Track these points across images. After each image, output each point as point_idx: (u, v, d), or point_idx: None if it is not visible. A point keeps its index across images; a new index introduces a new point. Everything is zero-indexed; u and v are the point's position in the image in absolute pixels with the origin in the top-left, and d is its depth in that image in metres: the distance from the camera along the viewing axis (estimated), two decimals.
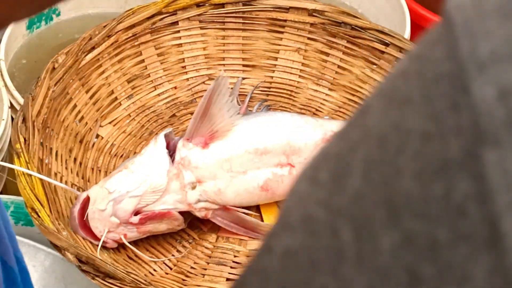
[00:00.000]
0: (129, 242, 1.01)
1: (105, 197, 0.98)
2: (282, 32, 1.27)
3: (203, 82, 1.26)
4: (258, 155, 1.06)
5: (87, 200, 0.99)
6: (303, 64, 1.27)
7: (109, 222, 0.98)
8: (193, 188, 1.02)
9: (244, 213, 1.06)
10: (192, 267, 1.04)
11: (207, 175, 1.03)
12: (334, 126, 1.12)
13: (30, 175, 0.99)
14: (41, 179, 0.99)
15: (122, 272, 0.93)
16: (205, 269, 1.04)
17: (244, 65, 1.28)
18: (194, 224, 1.07)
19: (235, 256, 1.06)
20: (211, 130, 1.03)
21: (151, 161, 1.02)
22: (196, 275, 1.03)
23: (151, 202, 0.99)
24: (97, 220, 0.98)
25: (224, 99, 1.03)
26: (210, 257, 1.06)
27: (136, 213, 0.99)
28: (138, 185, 0.99)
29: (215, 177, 1.03)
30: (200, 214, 1.04)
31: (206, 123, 1.03)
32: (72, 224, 0.99)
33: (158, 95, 1.23)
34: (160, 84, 1.24)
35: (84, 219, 0.99)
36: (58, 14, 1.42)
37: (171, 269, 1.04)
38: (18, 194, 1.03)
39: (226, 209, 1.05)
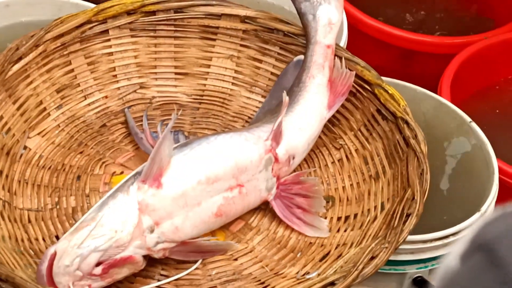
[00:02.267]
0: None
1: (72, 253, 0.95)
2: (214, 39, 1.26)
3: (135, 91, 1.24)
4: (210, 184, 1.04)
5: (53, 256, 0.95)
6: (236, 71, 1.26)
7: (74, 276, 0.95)
8: (152, 231, 1.00)
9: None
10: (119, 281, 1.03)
11: (164, 216, 1.00)
12: (268, 133, 1.10)
13: None
14: None
15: None
16: (132, 283, 1.03)
17: (176, 73, 1.26)
18: None
19: (162, 269, 1.05)
20: (160, 166, 1.01)
21: (120, 216, 0.98)
22: None
23: (114, 255, 0.97)
24: (61, 275, 0.95)
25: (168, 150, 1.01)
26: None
27: (98, 263, 0.97)
28: (105, 241, 0.96)
29: (172, 216, 1.01)
30: (158, 256, 1.01)
31: (157, 163, 1.00)
32: (40, 282, 0.95)
33: (89, 104, 1.21)
34: (90, 94, 1.22)
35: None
36: None
37: None
38: None
39: (184, 244, 1.03)
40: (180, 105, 1.24)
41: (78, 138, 1.18)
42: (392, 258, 1.02)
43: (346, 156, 1.17)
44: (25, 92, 1.17)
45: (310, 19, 1.18)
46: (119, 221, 0.98)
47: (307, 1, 1.19)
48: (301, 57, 1.21)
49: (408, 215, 1.03)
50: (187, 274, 1.04)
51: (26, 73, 1.16)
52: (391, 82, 1.28)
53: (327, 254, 1.06)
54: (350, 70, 1.16)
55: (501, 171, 1.31)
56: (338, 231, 1.09)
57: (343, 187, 1.15)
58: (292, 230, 1.09)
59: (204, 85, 1.26)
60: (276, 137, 1.09)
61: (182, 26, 1.25)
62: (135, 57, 1.25)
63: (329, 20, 1.18)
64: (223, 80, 1.26)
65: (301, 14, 1.20)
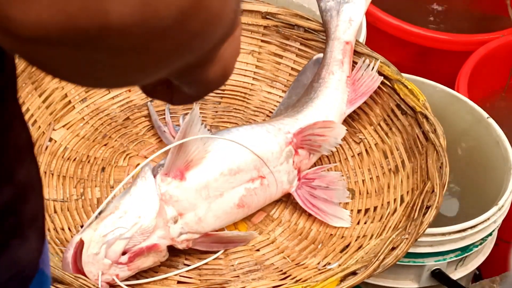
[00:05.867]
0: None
1: (99, 241, 0.97)
2: None
3: None
4: (232, 175, 1.06)
5: (79, 244, 0.98)
6: (257, 67, 1.28)
7: (102, 264, 0.97)
8: (175, 222, 1.02)
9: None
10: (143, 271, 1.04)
11: (187, 207, 1.02)
12: (289, 126, 1.12)
13: None
14: None
15: (70, 277, 0.94)
16: (156, 272, 1.05)
17: None
18: None
19: (186, 259, 1.06)
20: (186, 160, 1.03)
21: (141, 202, 1.00)
22: (146, 277, 1.04)
23: (139, 243, 0.99)
24: (91, 264, 0.97)
25: (196, 128, 1.02)
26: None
27: (124, 252, 0.99)
28: (129, 227, 0.99)
29: (195, 207, 1.03)
30: (181, 246, 1.03)
31: (182, 155, 1.02)
32: (66, 269, 0.97)
33: (112, 98, 1.24)
34: None
35: (78, 264, 0.97)
36: None
37: None
38: None
39: (207, 235, 1.06)
40: (202, 99, 1.26)
41: (102, 131, 1.21)
42: (411, 250, 1.03)
43: (366, 150, 1.19)
44: (51, 85, 1.19)
45: (334, 14, 1.20)
46: (142, 207, 1.00)
47: (333, 0, 1.21)
48: (321, 55, 1.23)
49: (428, 207, 1.04)
50: (211, 264, 1.06)
51: None
52: (409, 78, 1.30)
53: (348, 245, 1.08)
54: (380, 75, 1.18)
55: None
56: (358, 223, 1.11)
57: (363, 181, 1.17)
58: (313, 222, 1.11)
59: None
60: (300, 133, 1.11)
61: None
62: None
63: (350, 17, 1.20)
64: (244, 75, 1.28)
65: (324, 12, 1.22)
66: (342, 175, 1.15)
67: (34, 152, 0.57)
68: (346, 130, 1.14)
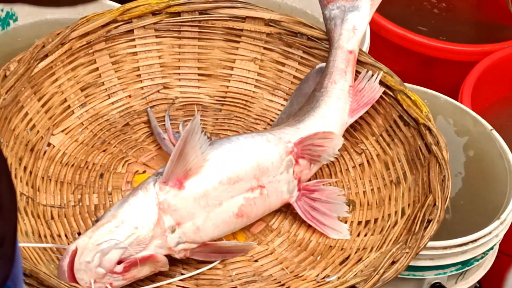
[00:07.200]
0: None
1: (93, 249, 0.96)
2: (238, 42, 1.27)
3: (158, 91, 1.25)
4: (231, 184, 1.04)
5: (75, 252, 0.96)
6: (259, 74, 1.27)
7: (95, 273, 0.96)
8: (173, 231, 1.01)
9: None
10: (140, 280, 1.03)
11: (185, 216, 1.01)
12: (289, 136, 1.11)
13: None
14: None
15: (66, 285, 0.93)
16: (153, 281, 1.03)
17: (199, 74, 1.27)
18: None
19: (183, 269, 1.05)
20: (185, 169, 1.02)
21: (140, 213, 0.99)
22: (142, 286, 1.02)
23: (135, 253, 0.98)
24: (83, 272, 0.95)
25: (197, 137, 1.01)
26: None
27: (119, 261, 0.97)
28: (125, 238, 0.97)
29: (193, 216, 1.02)
30: (179, 256, 1.02)
31: (181, 163, 1.01)
32: (61, 277, 0.96)
33: (112, 103, 1.22)
34: (114, 93, 1.23)
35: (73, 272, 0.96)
36: (15, 20, 1.41)
37: None
38: None
39: (205, 245, 1.04)
40: (202, 106, 1.25)
41: (101, 137, 1.19)
42: (411, 263, 1.02)
43: (367, 161, 1.18)
44: (50, 90, 1.18)
45: (338, 23, 1.19)
46: (140, 218, 0.99)
47: (338, 8, 1.20)
48: (324, 64, 1.21)
49: (429, 221, 1.03)
50: (208, 274, 1.05)
51: (51, 70, 1.17)
52: (412, 88, 1.29)
53: (347, 258, 1.07)
54: (383, 85, 1.17)
55: None
56: (358, 235, 1.10)
57: (364, 192, 1.15)
58: (312, 233, 1.10)
59: (227, 87, 1.27)
60: (300, 143, 1.10)
61: (206, 27, 1.26)
62: (159, 57, 1.26)
63: (354, 26, 1.19)
64: (246, 83, 1.27)
65: (328, 20, 1.20)
66: (342, 190, 1.14)
67: (8, 170, 0.54)
68: (347, 140, 1.13)
